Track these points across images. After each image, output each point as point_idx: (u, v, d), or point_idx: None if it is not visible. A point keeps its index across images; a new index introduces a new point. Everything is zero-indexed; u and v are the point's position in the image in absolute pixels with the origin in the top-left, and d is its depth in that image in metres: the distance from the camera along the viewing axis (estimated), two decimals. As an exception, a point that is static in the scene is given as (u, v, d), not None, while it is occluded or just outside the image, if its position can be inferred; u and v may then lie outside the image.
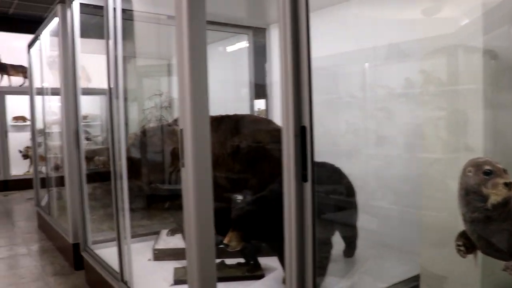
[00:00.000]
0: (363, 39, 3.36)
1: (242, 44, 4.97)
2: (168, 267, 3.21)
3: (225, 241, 2.37)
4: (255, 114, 4.76)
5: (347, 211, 3.02)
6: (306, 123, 1.41)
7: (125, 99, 3.15)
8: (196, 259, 1.89)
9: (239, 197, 3.25)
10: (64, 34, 4.14)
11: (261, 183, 3.12)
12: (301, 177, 1.43)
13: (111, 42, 3.03)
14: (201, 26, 1.91)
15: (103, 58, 6.92)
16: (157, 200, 4.80)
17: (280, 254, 2.78)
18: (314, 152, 1.41)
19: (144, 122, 4.97)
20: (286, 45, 1.42)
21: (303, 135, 1.41)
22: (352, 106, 3.86)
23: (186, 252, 1.97)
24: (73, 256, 4.28)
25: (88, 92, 6.81)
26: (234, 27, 4.78)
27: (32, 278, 4.16)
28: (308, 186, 1.42)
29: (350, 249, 3.11)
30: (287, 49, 1.42)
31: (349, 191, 3.00)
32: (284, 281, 2.78)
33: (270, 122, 3.53)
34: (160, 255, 3.46)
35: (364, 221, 3.14)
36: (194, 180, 1.84)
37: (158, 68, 6.06)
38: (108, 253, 3.56)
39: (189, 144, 1.84)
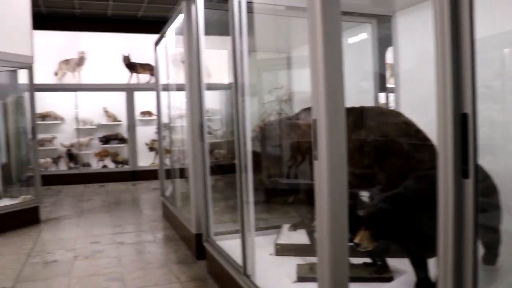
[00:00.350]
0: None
1: (364, 35, 4.74)
2: (291, 263, 3.13)
3: (356, 240, 2.23)
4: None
5: (488, 213, 2.71)
6: (467, 109, 1.22)
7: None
8: (328, 257, 1.77)
9: (365, 194, 3.08)
10: (188, 30, 4.23)
11: (390, 179, 2.93)
12: (461, 173, 1.25)
13: (236, 36, 3.00)
14: (336, 14, 1.79)
15: (221, 53, 7.05)
16: (276, 194, 4.77)
17: (412, 256, 2.57)
18: (478, 144, 1.22)
19: (264, 116, 4.97)
20: (444, 21, 1.24)
21: (463, 123, 1.22)
22: (486, 98, 3.48)
23: (317, 250, 1.86)
24: (195, 246, 4.39)
25: (209, 87, 7.02)
26: (358, 16, 4.57)
27: (158, 265, 4.35)
28: (469, 183, 1.23)
29: (491, 255, 2.79)
30: (444, 26, 1.24)
31: (491, 190, 2.68)
32: (416, 287, 2.57)
33: (399, 114, 3.30)
34: (282, 250, 3.39)
35: (508, 225, 2.80)
36: (328, 174, 1.72)
37: (277, 61, 6.03)
38: (229, 245, 3.57)
39: (323, 135, 1.73)
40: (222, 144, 6.64)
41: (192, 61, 4.18)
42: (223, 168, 5.21)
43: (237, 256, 3.17)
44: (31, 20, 6.31)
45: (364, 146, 3.09)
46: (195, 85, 4.12)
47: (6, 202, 6.15)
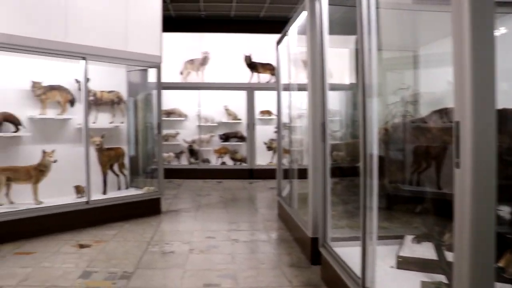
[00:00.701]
0: None
1: (503, 29, 4.24)
2: (413, 279, 2.88)
3: (501, 264, 1.93)
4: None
5: None
6: None
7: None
8: (469, 282, 1.53)
9: (505, 209, 2.71)
10: (312, 28, 4.11)
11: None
12: None
13: (364, 34, 2.80)
14: (488, 3, 1.56)
15: (342, 53, 6.82)
16: (398, 201, 4.47)
17: None
18: None
19: (388, 118, 4.67)
20: None
21: None
22: None
23: (454, 270, 1.62)
24: (310, 250, 4.26)
25: (330, 87, 6.84)
26: (498, 7, 4.08)
27: (271, 265, 4.28)
28: None
29: None
30: None
31: None
32: None
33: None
34: (404, 263, 3.12)
35: None
36: (472, 185, 1.49)
37: (403, 60, 5.67)
38: (347, 253, 3.38)
39: (468, 140, 1.49)
40: (341, 146, 6.41)
41: (315, 60, 4.05)
42: (342, 171, 5.00)
43: (355, 266, 2.98)
44: (161, 23, 6.70)
45: (507, 154, 2.72)
46: (318, 85, 3.98)
47: (132, 192, 6.57)
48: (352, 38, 6.26)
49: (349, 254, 3.30)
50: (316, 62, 4.03)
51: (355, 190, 4.12)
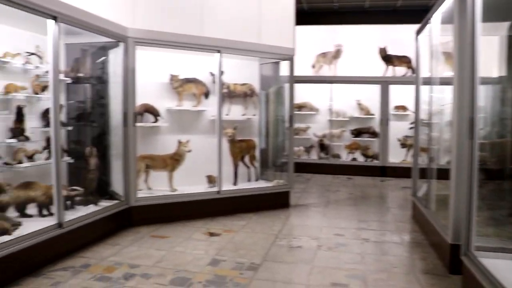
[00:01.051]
0: None
1: None
2: None
3: None
4: None
5: None
6: None
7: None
8: None
9: None
10: (461, 13, 3.71)
11: None
12: None
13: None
14: None
15: (489, 41, 6.14)
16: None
17: None
18: None
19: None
20: None
21: None
22: None
23: None
24: (449, 258, 3.89)
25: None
26: None
27: (403, 270, 4.02)
28: None
29: None
30: None
31: None
32: None
33: None
34: None
35: None
36: None
37: None
38: (495, 265, 2.99)
39: None
40: (485, 146, 5.81)
41: (464, 50, 3.63)
42: (486, 173, 4.51)
43: (507, 282, 2.61)
44: (294, 15, 6.69)
45: None
46: (466, 77, 3.58)
47: (262, 184, 6.65)
48: (504, 25, 5.59)
49: (499, 267, 2.93)
50: (465, 52, 3.62)
51: (504, 195, 3.66)
